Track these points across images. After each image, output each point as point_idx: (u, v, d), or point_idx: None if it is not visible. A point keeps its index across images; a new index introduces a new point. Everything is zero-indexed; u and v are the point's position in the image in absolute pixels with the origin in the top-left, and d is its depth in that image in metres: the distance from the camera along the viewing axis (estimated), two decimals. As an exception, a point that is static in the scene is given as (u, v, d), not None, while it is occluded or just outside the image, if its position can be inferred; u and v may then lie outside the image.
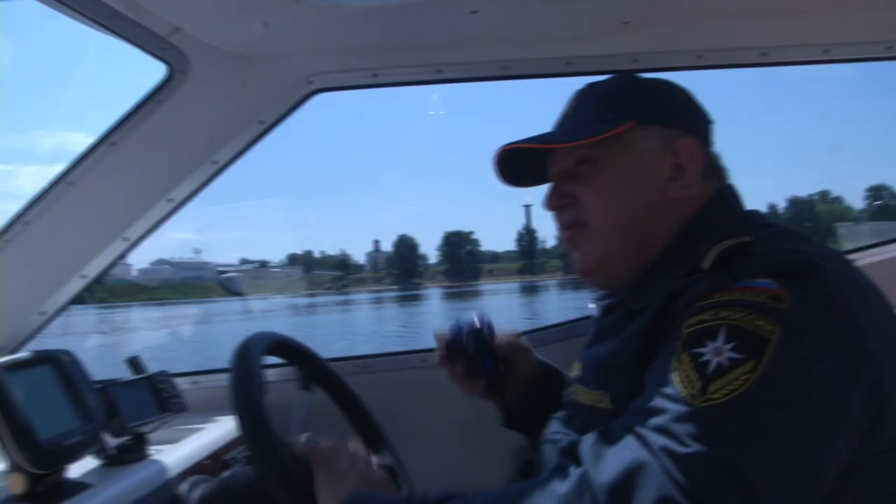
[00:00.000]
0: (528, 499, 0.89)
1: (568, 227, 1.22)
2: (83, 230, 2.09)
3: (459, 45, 1.97)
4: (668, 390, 0.88)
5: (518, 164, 1.28)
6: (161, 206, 2.10)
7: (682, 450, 0.80)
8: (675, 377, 0.89)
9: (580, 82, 1.29)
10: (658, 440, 0.82)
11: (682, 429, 0.82)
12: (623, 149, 1.15)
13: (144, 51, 1.75)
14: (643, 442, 0.84)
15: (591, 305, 1.35)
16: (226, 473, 1.31)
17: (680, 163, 1.15)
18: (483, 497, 0.95)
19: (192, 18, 1.69)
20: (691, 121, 1.21)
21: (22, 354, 1.32)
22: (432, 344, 1.52)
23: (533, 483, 0.92)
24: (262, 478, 1.09)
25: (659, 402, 0.88)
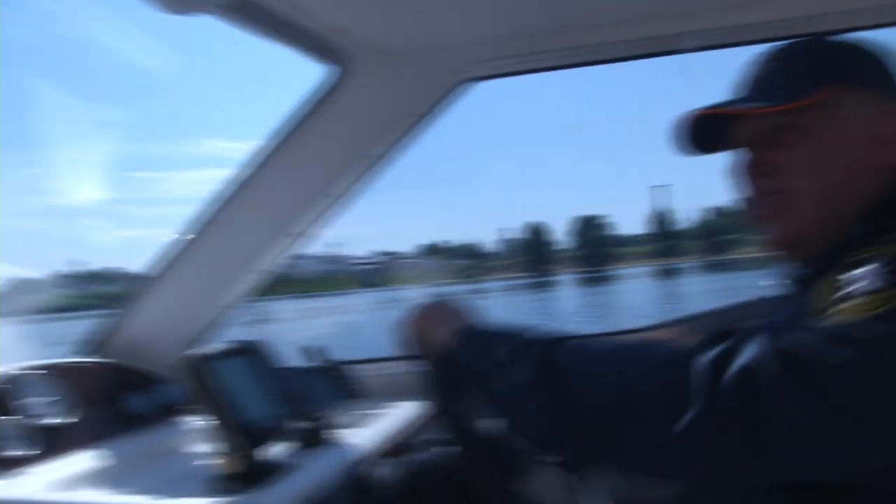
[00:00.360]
0: (648, 352, 0.90)
1: (765, 195, 1.16)
2: (255, 227, 2.22)
3: (613, 24, 1.93)
4: (802, 307, 0.88)
5: (691, 131, 1.23)
6: (324, 202, 2.19)
7: (784, 345, 0.79)
8: (812, 296, 0.88)
9: (731, 54, 1.23)
10: (768, 335, 0.81)
11: (794, 332, 0.81)
12: (825, 115, 1.08)
13: (310, 54, 1.84)
14: (757, 332, 0.83)
15: (763, 283, 1.30)
16: (417, 456, 1.35)
17: (884, 130, 1.07)
18: (601, 343, 0.95)
19: (357, 19, 1.76)
20: (894, 84, 1.13)
21: (224, 344, 1.42)
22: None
23: (654, 343, 0.94)
24: (467, 460, 1.11)
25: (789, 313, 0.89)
